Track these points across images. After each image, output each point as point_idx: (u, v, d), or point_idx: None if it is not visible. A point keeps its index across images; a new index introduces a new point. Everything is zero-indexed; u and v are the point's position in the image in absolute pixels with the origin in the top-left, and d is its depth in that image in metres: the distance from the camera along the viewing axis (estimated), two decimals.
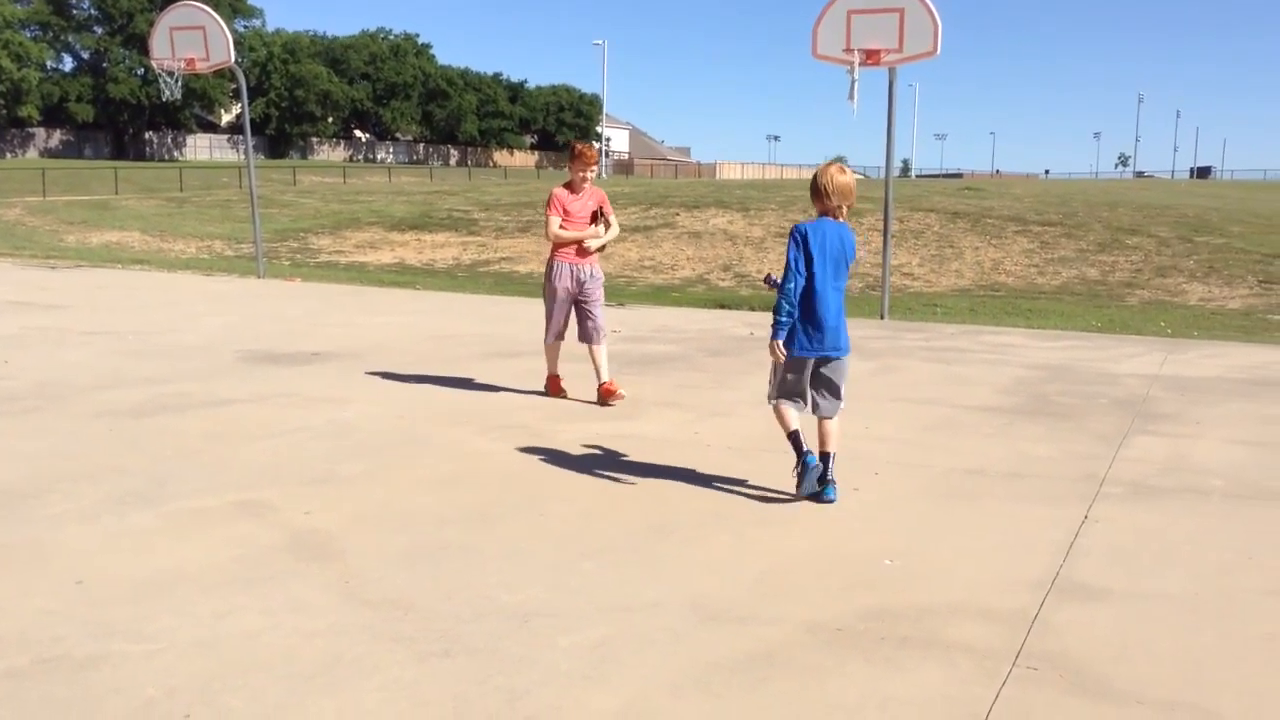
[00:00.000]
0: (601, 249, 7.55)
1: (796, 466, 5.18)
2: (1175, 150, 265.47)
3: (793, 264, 5.04)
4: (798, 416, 5.23)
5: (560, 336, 7.68)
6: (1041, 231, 25.21)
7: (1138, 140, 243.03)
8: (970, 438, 6.60)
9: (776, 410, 5.30)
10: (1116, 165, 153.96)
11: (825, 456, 5.17)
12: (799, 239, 5.07)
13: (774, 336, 5.15)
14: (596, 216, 7.48)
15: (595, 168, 7.54)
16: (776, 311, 5.13)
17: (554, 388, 7.77)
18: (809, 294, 5.08)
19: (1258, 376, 9.14)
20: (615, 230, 7.65)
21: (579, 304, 7.53)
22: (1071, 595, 4.01)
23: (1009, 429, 6.86)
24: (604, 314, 7.63)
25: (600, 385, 7.47)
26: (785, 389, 5.25)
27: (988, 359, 9.87)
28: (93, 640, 3.43)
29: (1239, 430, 6.89)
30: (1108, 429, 6.86)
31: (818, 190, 5.19)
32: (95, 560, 4.19)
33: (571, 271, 7.45)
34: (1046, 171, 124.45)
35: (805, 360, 5.19)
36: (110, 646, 3.39)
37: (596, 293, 7.55)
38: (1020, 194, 33.88)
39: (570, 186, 7.40)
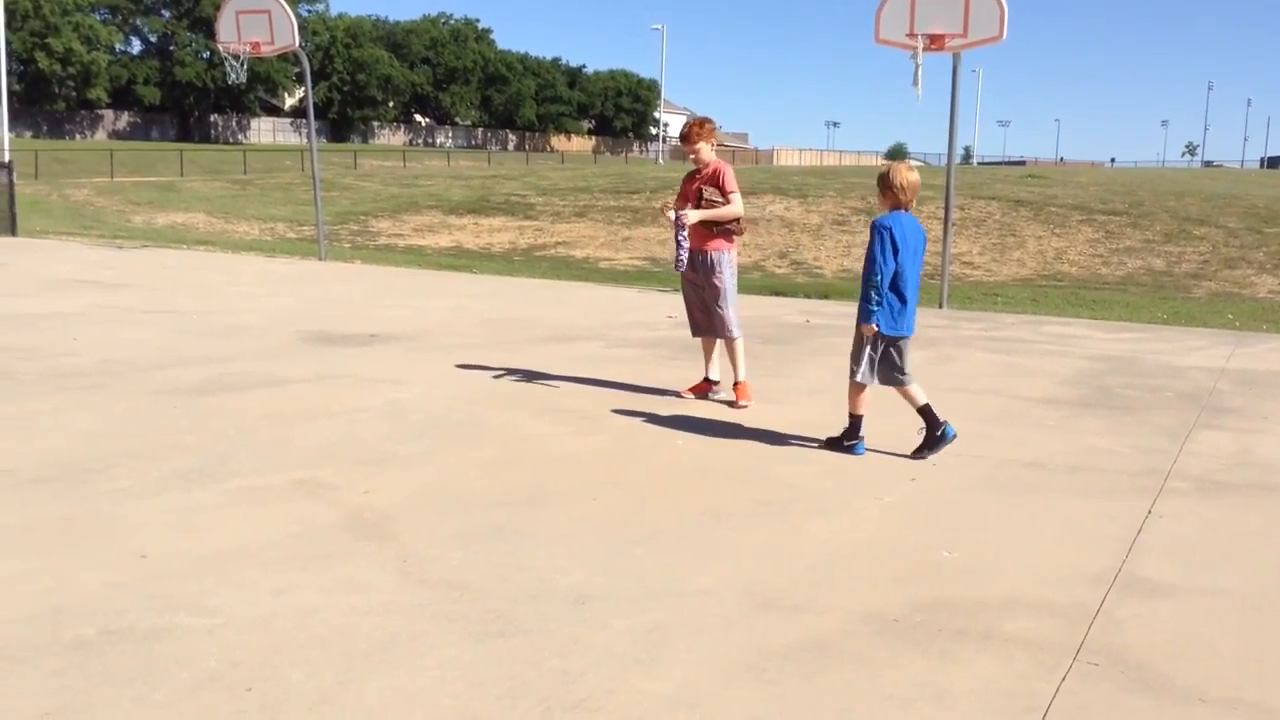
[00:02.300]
0: (715, 225, 6.83)
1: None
2: (1245, 140, 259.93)
3: (880, 256, 5.49)
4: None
5: (695, 331, 7.21)
6: (1106, 221, 24.74)
7: (1206, 129, 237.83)
8: (1030, 429, 6.50)
9: (858, 389, 5.78)
10: (1184, 154, 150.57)
11: (928, 408, 5.73)
12: (885, 232, 5.51)
13: (868, 320, 5.59)
14: (700, 195, 6.86)
15: (696, 144, 6.84)
16: (867, 300, 5.58)
17: (696, 388, 7.26)
18: (895, 280, 5.56)
19: None
20: (720, 208, 6.78)
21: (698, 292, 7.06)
22: (1134, 590, 3.94)
23: (1070, 421, 6.75)
24: (730, 307, 6.92)
25: (733, 384, 7.06)
26: (872, 367, 5.73)
27: (1049, 350, 9.71)
28: (156, 613, 3.50)
29: None
30: (1172, 423, 6.73)
31: (891, 186, 5.62)
32: (158, 535, 4.27)
33: (689, 257, 6.90)
34: (1112, 160, 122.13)
35: (888, 340, 5.68)
36: (173, 620, 3.46)
37: (709, 281, 6.91)
38: (1085, 182, 33.26)
39: None
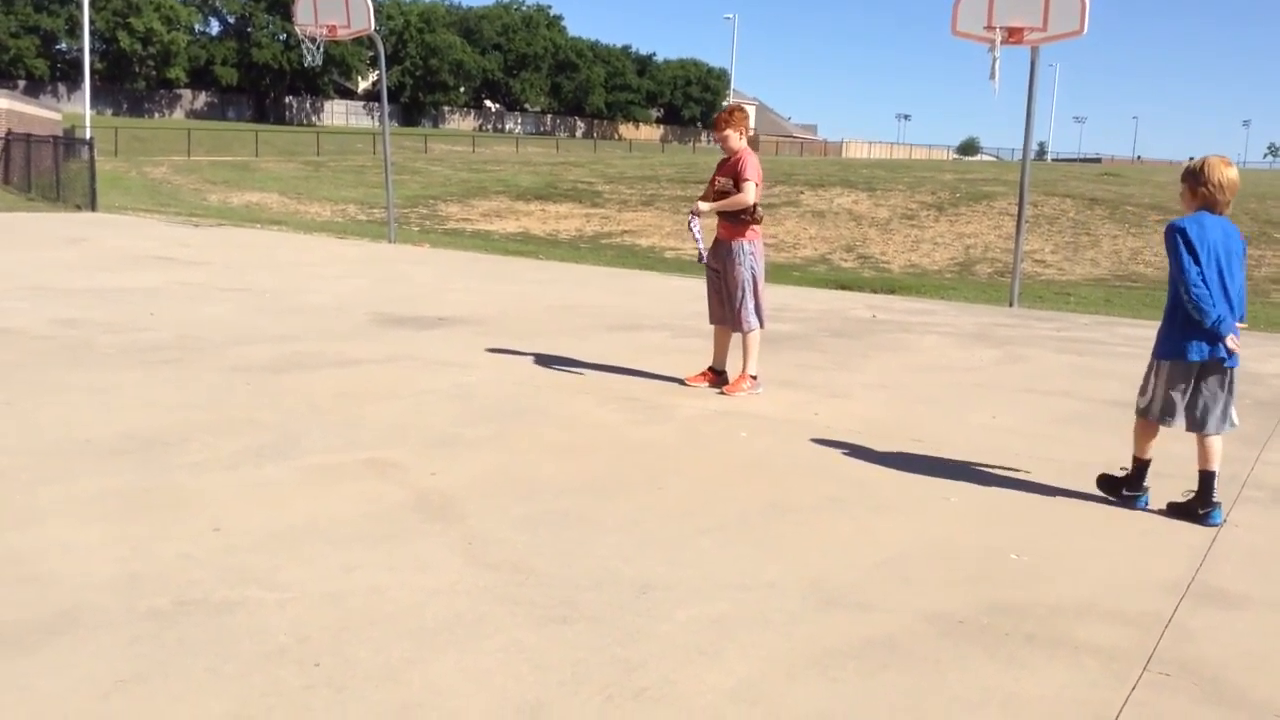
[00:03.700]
0: (734, 217, 6.82)
1: (1128, 490, 4.88)
2: None
3: (1185, 263, 4.51)
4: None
5: (713, 320, 7.19)
6: None
7: None
8: (1103, 433, 6.38)
9: (1149, 430, 4.85)
10: (1265, 155, 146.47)
11: (1208, 475, 4.71)
12: (1177, 235, 4.56)
13: (1228, 333, 4.55)
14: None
15: (724, 132, 6.84)
16: (1206, 315, 4.51)
17: (701, 376, 7.22)
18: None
19: None
20: (732, 198, 6.76)
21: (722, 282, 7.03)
22: (1208, 600, 3.85)
23: None
24: (748, 298, 6.87)
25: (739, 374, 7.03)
26: (1170, 405, 4.71)
27: (1123, 351, 9.52)
28: (228, 586, 3.57)
29: None
30: (1251, 430, 6.55)
31: (1203, 182, 4.64)
32: (231, 509, 4.36)
33: (715, 247, 7.01)
34: (1191, 159, 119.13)
35: (1193, 366, 4.63)
36: (245, 593, 3.53)
37: (730, 270, 6.90)
38: (1163, 181, 32.50)
39: None
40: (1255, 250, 21.32)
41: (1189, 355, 4.59)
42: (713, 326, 7.26)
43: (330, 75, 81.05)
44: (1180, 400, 4.67)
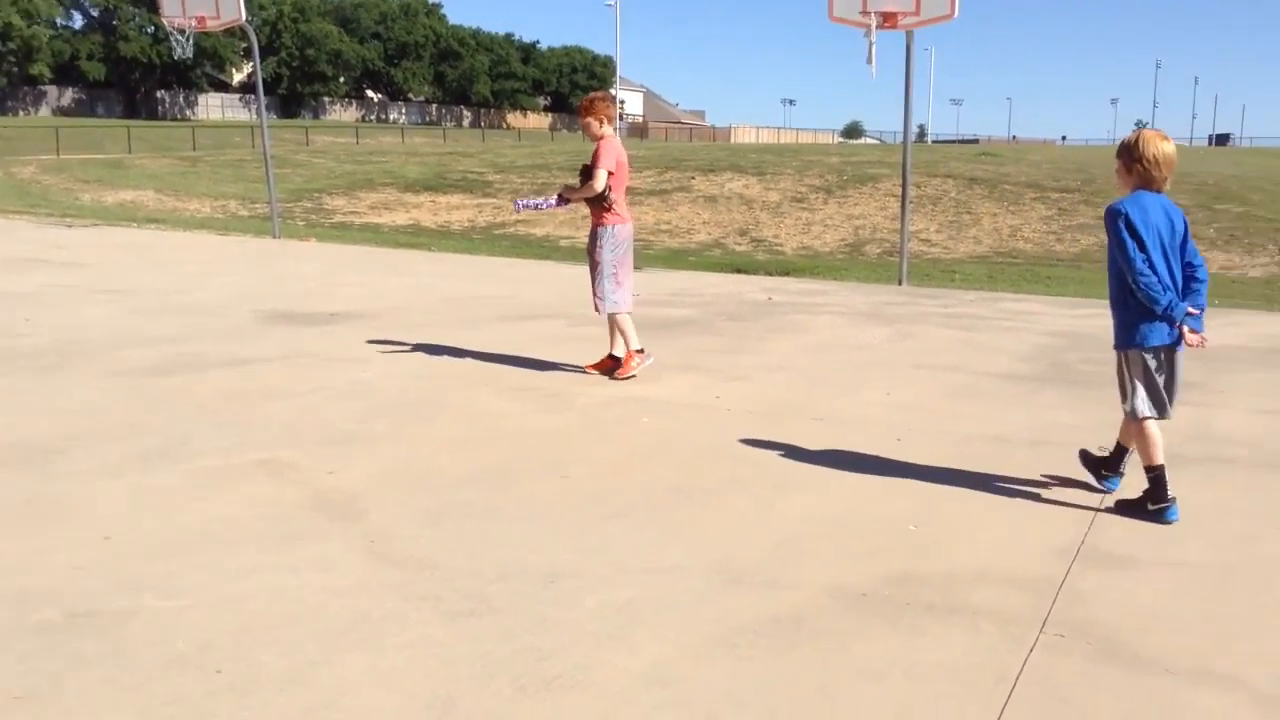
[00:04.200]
0: (597, 205, 6.95)
1: (1156, 504, 4.48)
2: (1194, 117, 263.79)
3: (1128, 250, 4.29)
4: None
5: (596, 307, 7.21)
6: (1060, 198, 25.02)
7: (1155, 107, 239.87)
8: (992, 405, 6.58)
9: (1149, 431, 4.49)
10: (1134, 130, 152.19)
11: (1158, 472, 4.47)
12: (1120, 219, 4.33)
13: (1179, 318, 4.36)
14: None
15: (584, 119, 6.92)
16: (1125, 310, 4.40)
17: (597, 364, 7.25)
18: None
19: (1275, 345, 9.07)
20: (584, 186, 6.87)
21: None
22: (1097, 563, 4.00)
23: (1031, 396, 6.83)
24: (604, 280, 6.94)
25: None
26: (1156, 395, 4.47)
27: (1007, 326, 9.82)
28: (122, 596, 3.45)
29: (1263, 400, 6.84)
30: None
31: (1137, 159, 4.39)
32: (121, 517, 4.21)
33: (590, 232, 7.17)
34: (1063, 137, 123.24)
35: (1159, 350, 4.43)
36: (140, 602, 3.41)
37: (591, 254, 7.03)
38: (1038, 160, 33.61)
39: None
40: None
41: (1152, 340, 4.39)
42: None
43: (203, 68, 78.49)
44: (1161, 386, 4.44)
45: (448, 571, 3.75)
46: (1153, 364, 4.44)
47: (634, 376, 7.00)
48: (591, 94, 7.13)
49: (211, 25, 16.22)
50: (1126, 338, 4.46)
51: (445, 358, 7.63)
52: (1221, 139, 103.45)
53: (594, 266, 7.03)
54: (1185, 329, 4.38)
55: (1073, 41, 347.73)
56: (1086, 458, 4.97)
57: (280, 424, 5.69)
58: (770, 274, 14.48)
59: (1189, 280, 4.46)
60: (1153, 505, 4.50)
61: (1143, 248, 4.31)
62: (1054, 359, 8.13)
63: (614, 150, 6.88)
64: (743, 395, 6.67)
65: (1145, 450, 4.51)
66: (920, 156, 32.01)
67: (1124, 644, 3.32)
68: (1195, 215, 22.52)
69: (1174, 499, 4.46)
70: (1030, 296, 12.46)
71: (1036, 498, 4.78)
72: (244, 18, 16.01)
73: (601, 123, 6.89)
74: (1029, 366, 7.81)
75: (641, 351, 7.10)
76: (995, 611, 3.54)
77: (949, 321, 10.03)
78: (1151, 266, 4.31)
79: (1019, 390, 7.01)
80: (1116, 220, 4.35)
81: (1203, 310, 4.47)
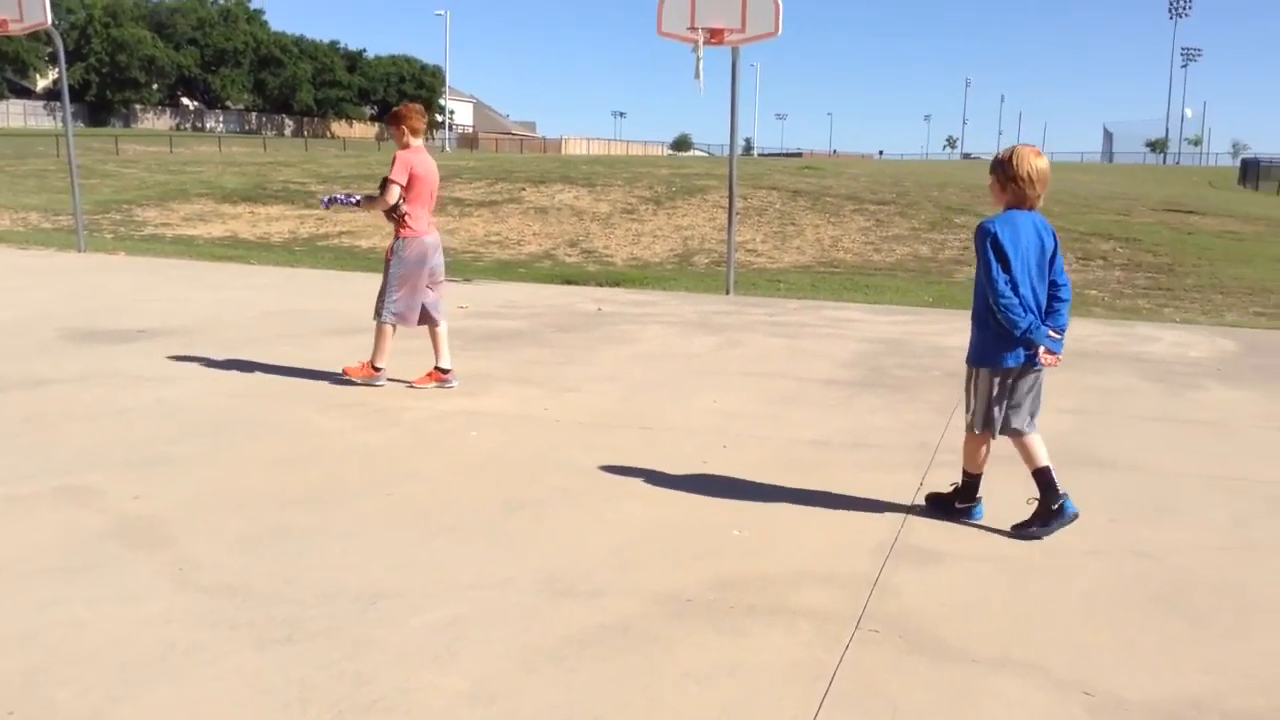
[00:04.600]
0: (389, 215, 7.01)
1: (960, 503, 4.67)
2: (1000, 133, 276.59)
3: (991, 272, 4.28)
4: None
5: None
6: (877, 210, 26.02)
7: (965, 123, 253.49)
8: (814, 410, 6.77)
9: (976, 444, 4.60)
10: (945, 147, 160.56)
11: (1042, 471, 4.49)
12: (987, 239, 4.30)
13: (1040, 342, 4.37)
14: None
15: (391, 129, 7.04)
16: (1016, 325, 4.31)
17: (429, 376, 7.23)
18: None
19: (1075, 348, 9.66)
20: (378, 199, 6.97)
21: None
22: (909, 559, 4.16)
23: (850, 401, 7.07)
24: (386, 289, 7.03)
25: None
26: (990, 416, 4.51)
27: (829, 333, 10.14)
28: None
29: (1063, 400, 7.26)
30: (940, 399, 7.14)
31: (1011, 176, 4.33)
32: None
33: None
34: (880, 152, 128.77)
35: (1011, 372, 4.46)
36: None
37: (385, 264, 7.15)
38: (857, 173, 34.89)
39: None
40: (939, 235, 23.26)
41: (1005, 363, 4.41)
42: (423, 327, 7.18)
43: (4, 73, 73.83)
44: (999, 410, 4.49)
45: (262, 597, 3.60)
46: (997, 386, 4.46)
47: (354, 383, 7.04)
48: (402, 105, 7.12)
49: (14, 29, 15.24)
50: (979, 356, 4.47)
51: (264, 374, 7.36)
52: None
53: (384, 275, 7.06)
54: (1042, 350, 4.39)
55: (890, 60, 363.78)
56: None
57: (83, 448, 5.37)
58: (600, 285, 14.56)
59: (1052, 300, 4.45)
60: (960, 504, 4.70)
61: (1007, 269, 4.27)
62: (872, 364, 8.44)
63: (409, 163, 6.85)
64: (572, 406, 6.67)
65: (969, 456, 4.63)
66: (746, 169, 32.80)
67: (933, 636, 3.47)
68: None
69: (980, 499, 4.67)
70: (850, 304, 12.90)
71: (854, 499, 4.94)
72: (49, 21, 15.12)
73: (404, 134, 6.90)
74: (849, 372, 8.08)
75: (378, 370, 7.07)
76: (814, 610, 3.63)
77: (774, 329, 10.29)
78: (1015, 289, 4.28)
79: (839, 395, 7.24)
80: (985, 240, 4.31)
81: (1063, 330, 4.47)
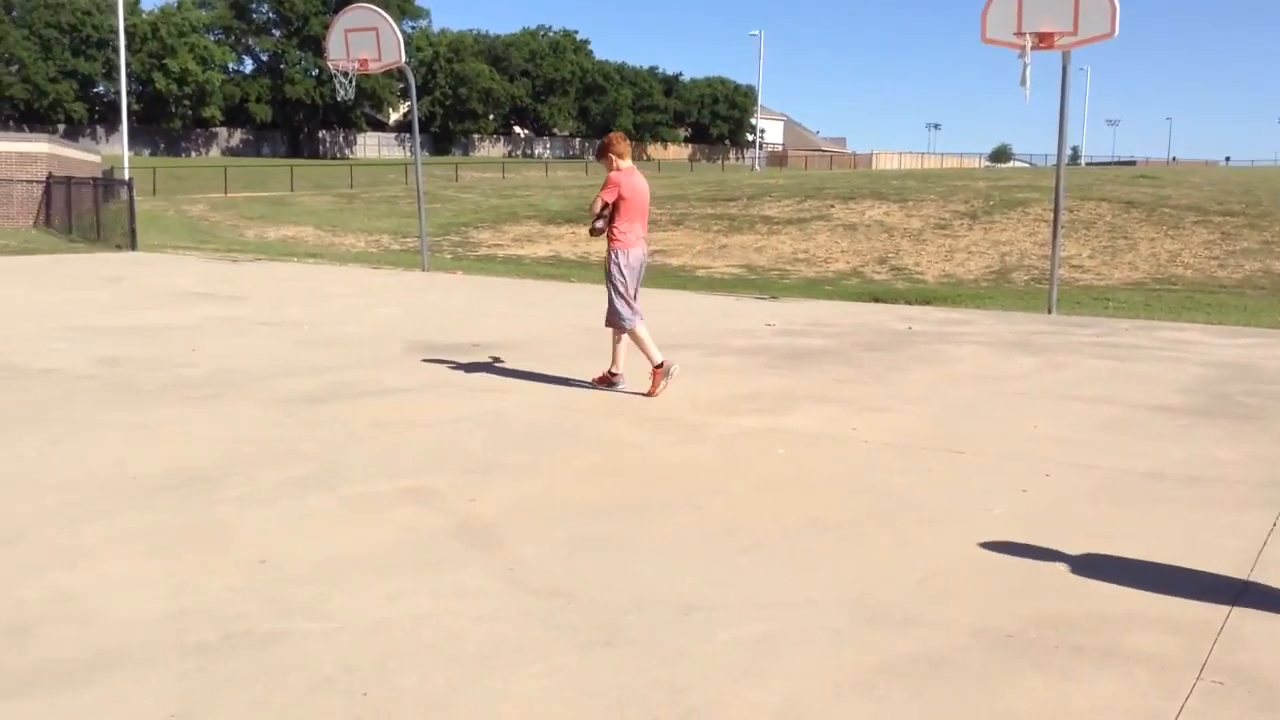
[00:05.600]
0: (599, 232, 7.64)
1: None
2: None
3: None
4: None
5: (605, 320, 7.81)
6: (1223, 222, 23.86)
7: None
8: (1146, 439, 6.30)
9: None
10: None
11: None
12: None
13: None
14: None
15: (602, 160, 7.64)
16: None
17: (599, 378, 7.82)
18: None
19: None
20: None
21: None
22: (1260, 606, 3.78)
23: (1189, 430, 6.52)
24: (614, 299, 7.53)
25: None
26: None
27: (1164, 356, 9.40)
28: (274, 618, 3.60)
29: None
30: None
31: None
32: (275, 541, 4.39)
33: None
34: (1227, 158, 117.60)
35: None
36: (291, 625, 3.55)
37: (607, 274, 7.63)
38: (1199, 182, 32.13)
39: None
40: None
41: None
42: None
43: (362, 108, 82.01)
44: None
45: (584, 601, 3.79)
46: None
47: (654, 395, 7.39)
48: (606, 136, 7.77)
49: (373, 68, 16.90)
50: None
51: (583, 387, 7.73)
52: None
53: (608, 287, 7.57)
54: None
55: (1237, 59, 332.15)
56: None
57: (425, 452, 5.86)
58: (910, 303, 14.22)
59: None
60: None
61: None
62: (1214, 390, 7.75)
63: (618, 183, 7.45)
64: (881, 426, 6.56)
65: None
66: (1073, 179, 31.01)
67: None
68: None
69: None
70: (1189, 325, 11.90)
71: (1194, 538, 4.55)
72: (403, 59, 16.64)
73: (612, 160, 7.52)
74: (1187, 399, 7.46)
75: (661, 366, 7.46)
76: (1149, 656, 3.38)
77: (1102, 351, 9.67)
78: None
79: (1176, 424, 6.70)
80: None
81: None
